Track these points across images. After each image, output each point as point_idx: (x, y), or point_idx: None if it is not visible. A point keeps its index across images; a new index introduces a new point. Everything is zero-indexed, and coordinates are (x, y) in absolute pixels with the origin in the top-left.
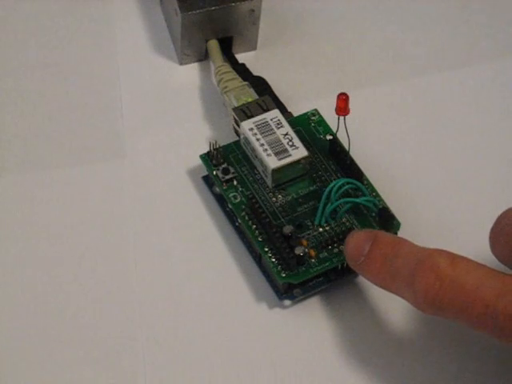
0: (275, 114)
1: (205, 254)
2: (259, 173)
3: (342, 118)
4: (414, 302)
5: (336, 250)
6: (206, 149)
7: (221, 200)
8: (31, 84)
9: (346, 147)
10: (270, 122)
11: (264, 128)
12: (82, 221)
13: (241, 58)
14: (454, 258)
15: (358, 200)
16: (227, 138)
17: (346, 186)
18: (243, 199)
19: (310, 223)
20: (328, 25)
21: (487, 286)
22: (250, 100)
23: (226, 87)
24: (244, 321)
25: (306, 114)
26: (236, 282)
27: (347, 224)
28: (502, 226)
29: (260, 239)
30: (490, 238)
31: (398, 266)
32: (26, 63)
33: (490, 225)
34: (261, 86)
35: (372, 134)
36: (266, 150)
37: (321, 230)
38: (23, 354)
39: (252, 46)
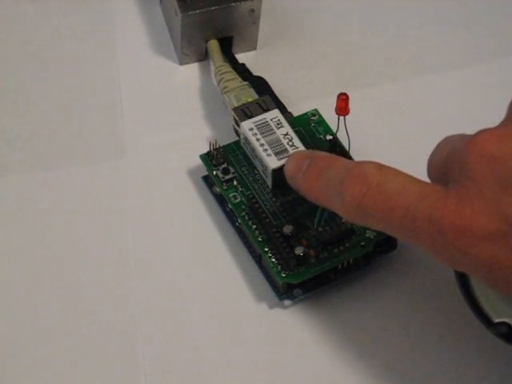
0: (275, 113)
1: (205, 254)
2: (259, 173)
3: (342, 117)
4: (342, 209)
5: (336, 250)
6: (206, 149)
7: (221, 200)
8: (31, 84)
9: (346, 147)
10: (270, 122)
11: (264, 128)
12: (82, 220)
13: (241, 58)
14: (381, 166)
15: None
16: (227, 138)
17: None
18: (243, 199)
19: (309, 223)
20: (328, 25)
21: (410, 190)
22: (250, 100)
23: (226, 87)
24: (244, 321)
25: (305, 113)
26: (236, 282)
27: (347, 224)
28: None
29: (260, 239)
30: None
31: (330, 176)
32: (26, 63)
33: None
34: (261, 85)
35: (372, 134)
36: (265, 149)
37: (321, 230)
38: (22, 354)
39: (252, 46)
